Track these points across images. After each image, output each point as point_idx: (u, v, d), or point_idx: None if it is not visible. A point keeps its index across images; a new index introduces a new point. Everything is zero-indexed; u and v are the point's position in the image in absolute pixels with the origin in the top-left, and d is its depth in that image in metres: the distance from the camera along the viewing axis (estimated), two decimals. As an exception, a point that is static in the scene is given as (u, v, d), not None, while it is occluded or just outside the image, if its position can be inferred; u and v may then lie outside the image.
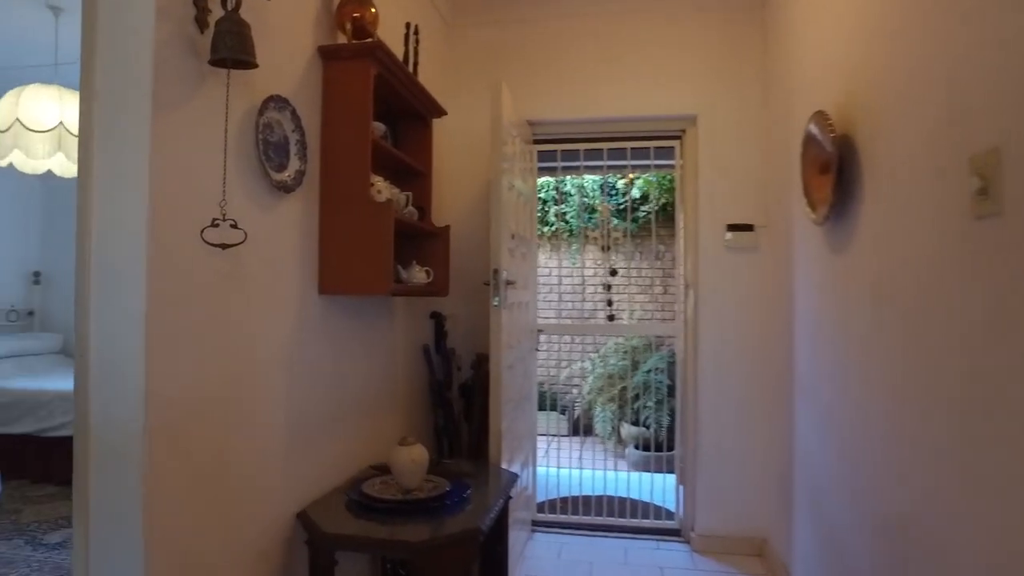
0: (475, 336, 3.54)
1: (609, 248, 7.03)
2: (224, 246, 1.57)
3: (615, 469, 4.98)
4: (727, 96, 3.54)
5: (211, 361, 1.66)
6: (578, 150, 3.90)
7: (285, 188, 1.99)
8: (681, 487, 3.76)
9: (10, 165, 3.72)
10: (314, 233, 2.21)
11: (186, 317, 1.55)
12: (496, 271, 2.81)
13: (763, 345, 3.43)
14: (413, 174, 2.81)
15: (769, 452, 3.37)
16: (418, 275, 2.69)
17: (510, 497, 2.54)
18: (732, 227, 3.51)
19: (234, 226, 1.57)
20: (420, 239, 2.83)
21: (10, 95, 3.57)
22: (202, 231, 1.53)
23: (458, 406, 3.46)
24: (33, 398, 4.36)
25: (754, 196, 3.49)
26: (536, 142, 3.83)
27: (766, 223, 3.45)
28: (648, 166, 4.36)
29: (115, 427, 1.43)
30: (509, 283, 2.94)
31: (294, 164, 2.06)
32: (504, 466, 2.82)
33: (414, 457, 2.17)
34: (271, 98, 1.93)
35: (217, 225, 1.55)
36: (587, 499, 4.12)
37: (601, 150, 3.93)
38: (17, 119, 3.45)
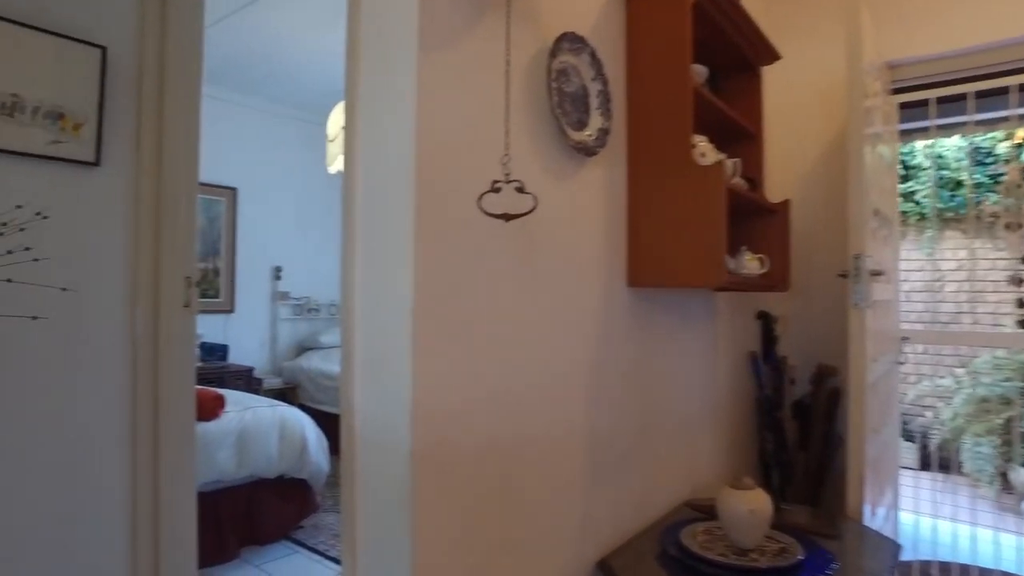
0: (814, 342, 2.79)
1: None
2: (507, 217, 1.19)
3: (1001, 528, 3.68)
4: None
5: (491, 368, 1.31)
6: (959, 97, 2.85)
7: (586, 151, 1.58)
8: None
9: (339, 172, 4.04)
10: (621, 208, 1.76)
11: (458, 311, 1.21)
12: (858, 257, 2.06)
13: None
14: (739, 136, 2.21)
15: None
16: (749, 264, 2.08)
17: (889, 577, 1.79)
18: None
19: (520, 190, 1.18)
20: (751, 218, 2.21)
21: (340, 105, 3.86)
22: (480, 197, 1.17)
23: (790, 429, 2.75)
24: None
25: None
26: (896, 92, 2.89)
27: None
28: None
29: (381, 447, 1.13)
30: (875, 274, 2.15)
31: (595, 121, 1.63)
32: (866, 513, 2.06)
33: (753, 507, 1.58)
34: (564, 36, 1.52)
35: (498, 190, 1.17)
36: (965, 571, 3.02)
37: (995, 95, 2.82)
38: (343, 127, 3.69)
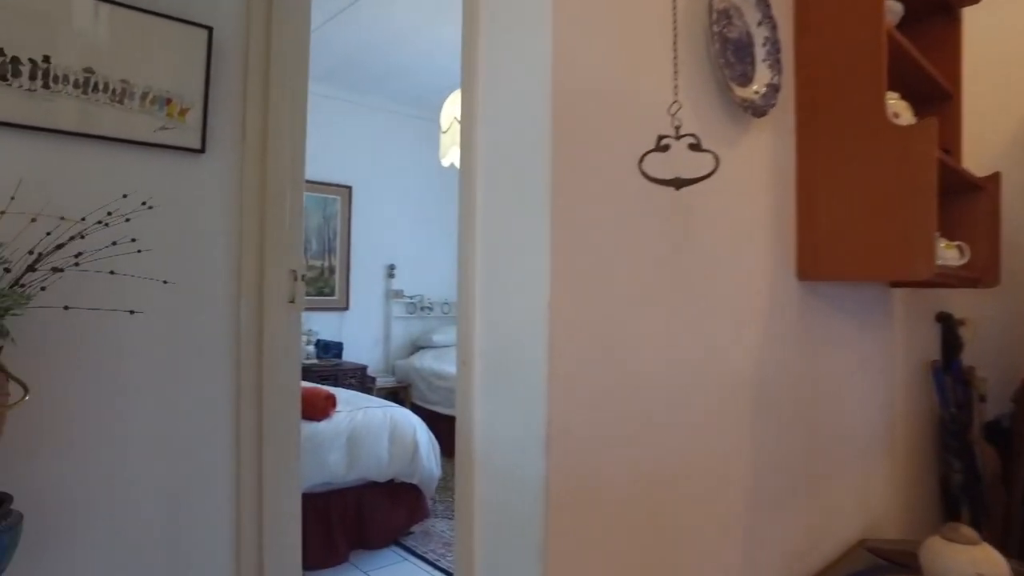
0: (1014, 351, 2.29)
1: None
2: (679, 183, 0.90)
3: None
4: None
5: (640, 377, 1.03)
6: None
7: (754, 110, 1.27)
8: None
9: (452, 165, 3.90)
10: (789, 182, 1.43)
11: (603, 307, 0.95)
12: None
13: None
14: (930, 96, 1.80)
15: None
16: (946, 253, 1.68)
17: None
18: None
19: (696, 147, 0.90)
20: (946, 197, 1.79)
21: (453, 95, 3.71)
22: (642, 158, 0.90)
23: (981, 456, 2.27)
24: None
25: None
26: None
27: None
28: None
29: (506, 475, 0.90)
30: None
31: (762, 74, 1.32)
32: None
33: (984, 570, 1.20)
34: (732, -33, 1.22)
35: (666, 147, 0.90)
36: None
37: None
38: (455, 118, 3.54)
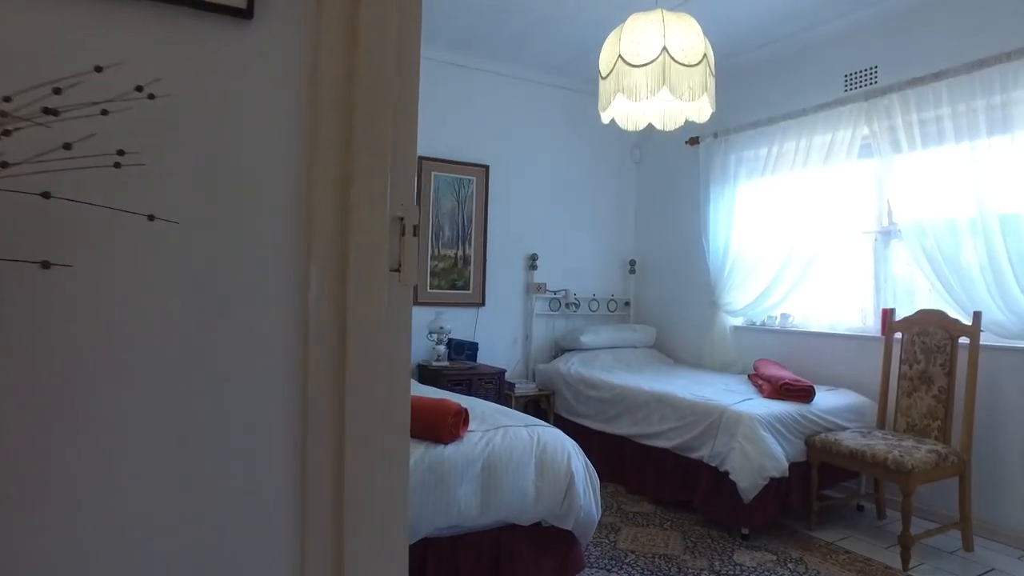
0: None
1: None
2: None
3: None
4: None
5: None
6: None
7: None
8: None
9: (612, 122, 3.14)
10: None
11: None
12: None
13: None
14: None
15: None
16: None
17: None
18: None
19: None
20: None
21: (611, 36, 2.95)
22: None
23: None
24: (632, 396, 3.80)
25: None
26: None
27: None
28: None
29: None
30: None
31: None
32: None
33: None
34: None
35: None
36: None
37: None
38: (619, 56, 2.77)
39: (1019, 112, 3.09)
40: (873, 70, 3.71)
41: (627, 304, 5.30)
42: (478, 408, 2.63)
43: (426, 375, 4.21)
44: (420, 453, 2.10)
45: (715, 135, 4.54)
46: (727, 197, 4.46)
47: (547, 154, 4.96)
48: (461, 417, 2.26)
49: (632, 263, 5.30)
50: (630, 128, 3.08)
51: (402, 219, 1.04)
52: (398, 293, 1.04)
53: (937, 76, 3.32)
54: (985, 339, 3.08)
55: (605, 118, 2.96)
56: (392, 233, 1.03)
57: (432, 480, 2.07)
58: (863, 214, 3.85)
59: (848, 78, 3.83)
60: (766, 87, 4.33)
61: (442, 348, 4.23)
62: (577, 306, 5.00)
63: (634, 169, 5.38)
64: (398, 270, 1.04)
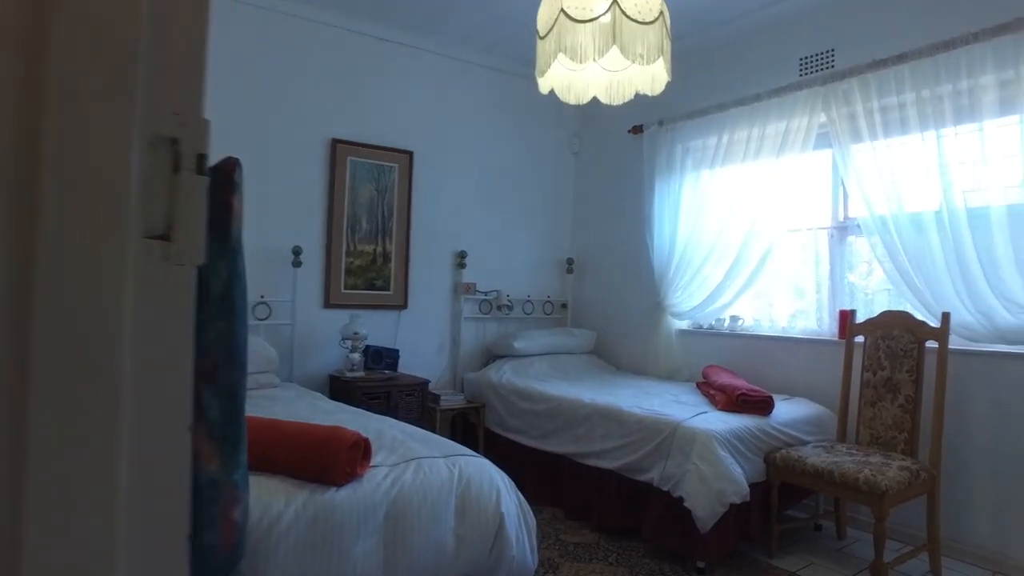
0: None
1: None
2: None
3: None
4: None
5: None
6: None
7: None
8: None
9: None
10: None
11: None
12: None
13: None
14: None
15: None
16: None
17: None
18: None
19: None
20: None
21: (551, -8, 2.52)
22: None
23: None
24: (570, 409, 3.37)
25: None
26: None
27: None
28: None
29: None
30: None
31: None
32: None
33: None
34: None
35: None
36: None
37: None
38: (561, 10, 2.34)
39: (988, 98, 2.84)
40: (830, 53, 3.43)
41: (564, 306, 4.89)
42: (388, 434, 2.13)
43: (338, 388, 3.67)
44: (301, 502, 1.59)
45: (660, 123, 4.19)
46: (673, 190, 4.11)
47: (478, 141, 4.50)
48: (360, 450, 1.76)
49: (570, 262, 4.90)
50: (572, 101, 2.65)
51: (175, 141, 0.55)
52: (164, 280, 0.55)
53: (900, 59, 3.05)
54: (952, 343, 2.81)
55: (543, 87, 2.52)
56: (152, 167, 0.54)
57: (317, 537, 1.56)
58: (819, 208, 3.57)
59: (803, 61, 3.54)
60: (715, 71, 4.01)
61: (357, 356, 3.70)
62: (510, 308, 4.55)
63: (572, 160, 4.99)
64: (165, 237, 0.55)
